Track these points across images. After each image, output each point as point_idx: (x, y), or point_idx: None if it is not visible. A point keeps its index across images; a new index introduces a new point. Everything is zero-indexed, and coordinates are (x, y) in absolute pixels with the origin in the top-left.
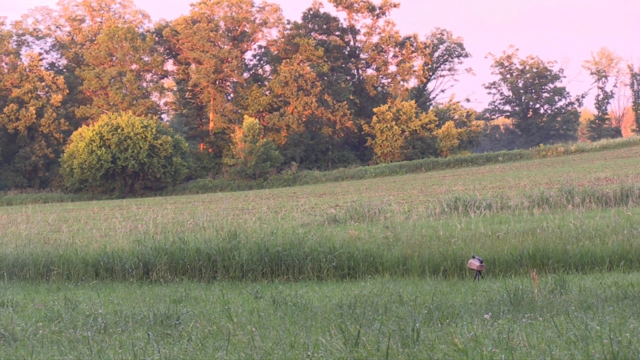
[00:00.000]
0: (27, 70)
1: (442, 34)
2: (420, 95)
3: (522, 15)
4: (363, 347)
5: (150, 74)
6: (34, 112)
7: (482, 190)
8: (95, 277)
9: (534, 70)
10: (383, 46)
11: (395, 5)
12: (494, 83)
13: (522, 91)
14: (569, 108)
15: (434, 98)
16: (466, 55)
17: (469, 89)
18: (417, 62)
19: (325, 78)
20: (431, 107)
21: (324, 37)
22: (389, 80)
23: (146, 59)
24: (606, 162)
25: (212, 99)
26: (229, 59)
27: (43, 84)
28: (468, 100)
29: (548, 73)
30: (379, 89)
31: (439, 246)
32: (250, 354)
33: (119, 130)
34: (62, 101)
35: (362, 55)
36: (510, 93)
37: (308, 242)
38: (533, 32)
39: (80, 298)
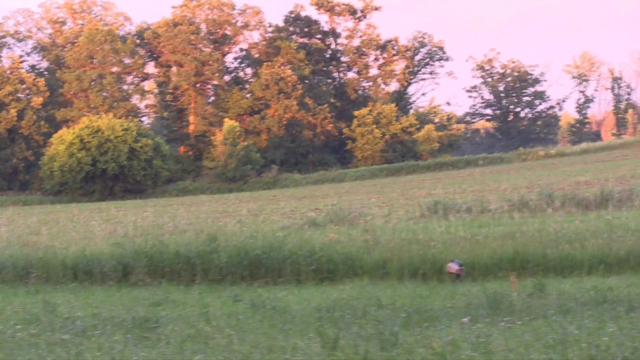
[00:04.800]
0: (8, 72)
1: (424, 38)
2: (401, 99)
3: (504, 19)
4: (341, 351)
5: (131, 77)
6: (15, 114)
7: (462, 193)
8: (74, 280)
9: (515, 74)
10: (364, 49)
11: (376, 9)
12: (474, 86)
13: (502, 95)
14: (550, 112)
15: (414, 101)
16: (447, 59)
17: (449, 93)
18: (398, 66)
19: (306, 81)
20: (412, 111)
21: (305, 40)
22: (370, 83)
23: (127, 61)
24: (586, 165)
25: (192, 101)
26: (210, 62)
27: (24, 86)
28: (449, 103)
29: (529, 77)
30: (360, 92)
31: (419, 250)
32: (229, 357)
33: (99, 133)
34: (42, 103)
35: (343, 59)
36: (491, 96)
37: (288, 246)
38: (514, 35)
39: (59, 301)
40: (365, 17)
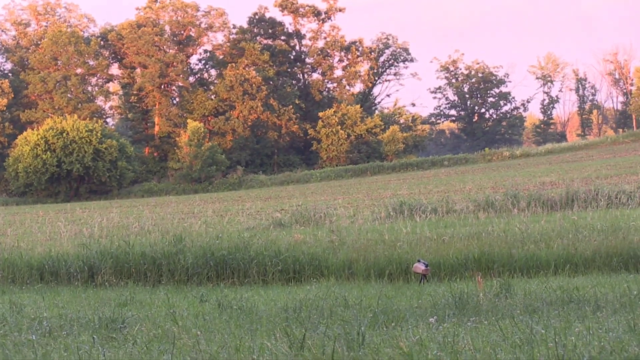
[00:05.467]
0: None
1: (388, 39)
2: (366, 100)
3: (468, 21)
4: (308, 351)
5: (96, 78)
6: None
7: (428, 194)
8: (40, 281)
9: (480, 75)
10: (329, 51)
11: (340, 10)
12: (439, 88)
13: (467, 96)
14: (515, 112)
15: (379, 102)
16: (412, 60)
17: (414, 94)
18: (363, 67)
19: (271, 82)
20: (376, 112)
21: (269, 42)
22: (335, 84)
23: (91, 63)
24: (551, 166)
25: (157, 103)
26: (174, 63)
27: None
28: (413, 104)
29: (493, 78)
30: (325, 93)
31: (385, 250)
32: (196, 358)
33: (64, 134)
34: (7, 105)
35: (307, 60)
36: (455, 97)
37: (253, 246)
38: (478, 37)
39: (25, 301)
40: (329, 18)
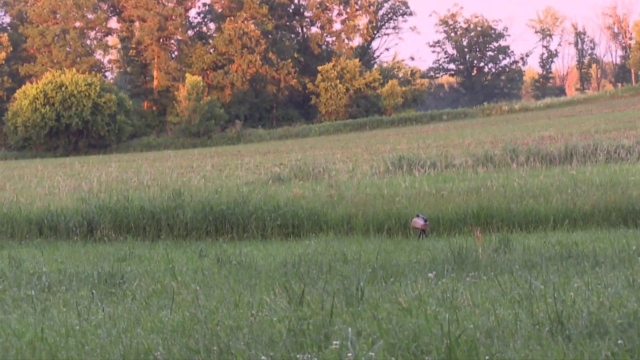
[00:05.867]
0: None
1: None
2: (365, 54)
3: None
4: (307, 306)
5: (94, 32)
6: None
7: (427, 149)
8: (39, 236)
9: (479, 28)
10: (327, 4)
11: None
12: (438, 42)
13: (466, 50)
14: (513, 67)
15: (378, 57)
16: (410, 14)
17: (413, 48)
18: (362, 21)
19: (270, 36)
20: (375, 66)
21: None
22: (334, 38)
23: (90, 16)
24: (550, 120)
25: (156, 56)
26: (173, 17)
27: None
28: (412, 58)
29: (492, 32)
30: (324, 47)
31: (383, 205)
32: (195, 313)
33: (63, 88)
34: (5, 59)
35: (306, 14)
36: (454, 52)
37: (252, 201)
38: None
39: (24, 256)
40: None
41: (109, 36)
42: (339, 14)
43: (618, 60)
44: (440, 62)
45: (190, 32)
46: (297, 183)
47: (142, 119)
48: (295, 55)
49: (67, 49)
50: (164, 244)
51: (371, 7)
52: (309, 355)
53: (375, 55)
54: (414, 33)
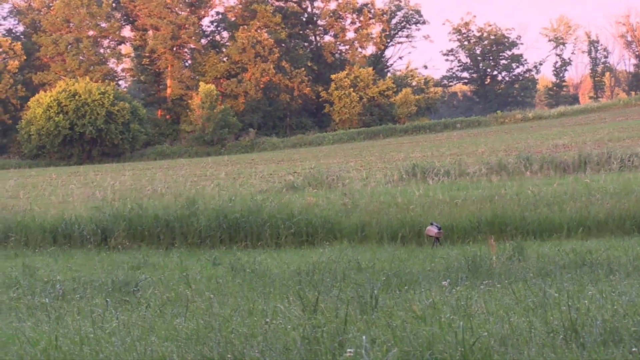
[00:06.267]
0: None
1: (400, 1)
2: (378, 62)
3: None
4: (321, 314)
5: (108, 40)
6: None
7: (440, 157)
8: (53, 244)
9: (492, 37)
10: (341, 13)
11: None
12: (451, 50)
13: (479, 58)
14: (527, 75)
15: (391, 65)
16: (424, 22)
17: (426, 56)
18: (375, 29)
19: (283, 45)
20: (389, 74)
21: (281, 4)
22: (347, 47)
23: (103, 25)
24: (564, 129)
25: (169, 65)
26: (186, 25)
27: (0, 50)
28: (426, 67)
29: (506, 40)
30: (337, 55)
31: (397, 213)
32: (209, 321)
33: (77, 96)
34: (19, 67)
35: (319, 22)
36: (467, 60)
37: (266, 209)
38: None
39: (38, 265)
40: None
41: (122, 45)
42: (352, 23)
43: (631, 69)
44: (453, 70)
45: (203, 41)
46: (311, 191)
47: (156, 127)
48: (309, 63)
49: (81, 57)
50: (178, 252)
51: (384, 15)
52: None
53: (388, 64)
54: (427, 41)
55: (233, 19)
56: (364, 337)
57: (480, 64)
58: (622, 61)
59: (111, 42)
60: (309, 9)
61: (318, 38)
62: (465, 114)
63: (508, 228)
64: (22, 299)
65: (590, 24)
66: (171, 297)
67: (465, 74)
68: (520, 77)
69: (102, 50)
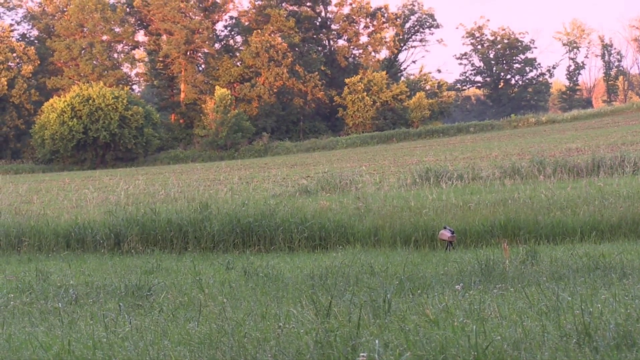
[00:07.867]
0: None
1: (413, 5)
2: (392, 66)
3: None
4: (334, 318)
5: (121, 45)
6: (5, 83)
7: (454, 160)
8: (66, 248)
9: (505, 41)
10: (354, 17)
11: None
12: (465, 54)
13: (493, 62)
14: (540, 79)
15: (405, 69)
16: (437, 26)
17: (440, 60)
18: (388, 33)
19: (297, 49)
20: (402, 78)
21: (295, 8)
22: (360, 51)
23: (117, 29)
24: (577, 132)
25: (183, 69)
26: (200, 30)
27: (14, 54)
28: (439, 71)
29: (519, 44)
30: (350, 59)
31: (410, 217)
32: (222, 325)
33: (90, 101)
34: (33, 72)
35: (333, 26)
36: (481, 64)
37: (279, 213)
38: (504, 3)
39: (51, 269)
40: None
41: (136, 49)
42: (366, 27)
43: None
44: (467, 74)
45: (217, 45)
46: (324, 195)
47: (170, 131)
48: (322, 68)
49: (94, 62)
50: (191, 257)
51: (398, 19)
52: None
53: (402, 68)
54: (440, 45)
55: (247, 23)
56: (376, 341)
57: (494, 68)
58: (635, 65)
59: (125, 47)
60: (323, 14)
61: (332, 42)
62: (479, 118)
63: (521, 232)
64: (35, 304)
65: (603, 27)
66: (184, 301)
67: (478, 78)
68: (534, 81)
69: (115, 55)
